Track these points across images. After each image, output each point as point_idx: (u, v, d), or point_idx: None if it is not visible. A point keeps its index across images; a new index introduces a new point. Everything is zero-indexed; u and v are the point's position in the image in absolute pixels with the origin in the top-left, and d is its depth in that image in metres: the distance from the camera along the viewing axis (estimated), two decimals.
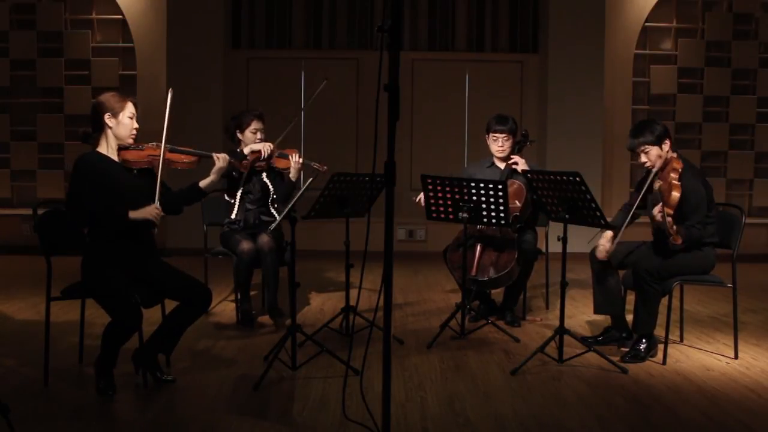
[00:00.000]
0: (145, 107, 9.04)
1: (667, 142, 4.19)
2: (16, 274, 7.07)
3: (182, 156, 3.90)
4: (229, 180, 5.01)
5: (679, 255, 4.19)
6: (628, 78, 8.72)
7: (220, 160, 3.91)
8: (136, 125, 3.70)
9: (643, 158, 4.20)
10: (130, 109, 3.67)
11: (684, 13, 8.77)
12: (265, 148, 4.96)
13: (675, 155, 4.21)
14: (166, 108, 3.78)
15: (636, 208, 4.24)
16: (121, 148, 3.69)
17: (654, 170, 4.14)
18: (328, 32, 8.73)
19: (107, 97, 3.66)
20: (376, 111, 2.58)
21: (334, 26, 8.73)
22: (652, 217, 4.00)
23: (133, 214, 3.55)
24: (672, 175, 4.05)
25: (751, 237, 8.06)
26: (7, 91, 8.66)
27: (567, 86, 8.31)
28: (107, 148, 3.67)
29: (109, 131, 3.64)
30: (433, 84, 8.76)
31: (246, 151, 4.97)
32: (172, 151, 3.84)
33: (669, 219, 3.85)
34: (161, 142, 3.74)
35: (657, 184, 4.12)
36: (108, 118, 3.62)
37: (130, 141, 3.70)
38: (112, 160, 3.65)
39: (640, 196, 4.21)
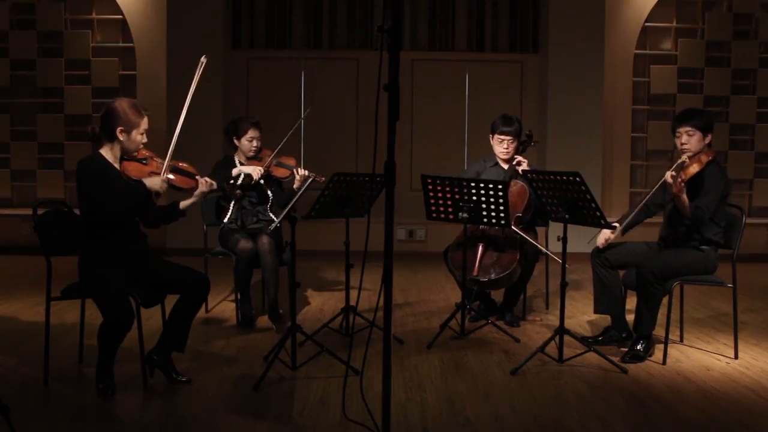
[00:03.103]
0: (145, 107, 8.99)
1: (710, 137, 4.23)
2: (16, 274, 7.07)
3: (182, 177, 3.84)
4: (223, 197, 5.11)
5: (683, 256, 4.20)
6: (628, 78, 8.72)
7: (204, 185, 3.83)
8: (144, 140, 3.72)
9: (684, 139, 4.23)
10: (143, 125, 3.69)
11: (684, 13, 8.77)
12: (256, 172, 4.96)
13: (709, 150, 4.26)
14: (194, 77, 3.81)
15: (654, 200, 4.36)
16: (124, 159, 3.71)
17: (687, 153, 4.20)
18: (328, 32, 8.73)
19: (124, 110, 3.63)
20: (376, 111, 2.58)
21: (334, 26, 8.73)
22: (666, 180, 4.09)
23: (146, 181, 3.62)
24: (702, 156, 4.14)
25: (751, 237, 8.06)
26: (7, 91, 8.67)
27: (567, 86, 8.31)
28: (110, 154, 3.68)
29: (117, 142, 3.66)
30: (433, 84, 8.75)
31: (234, 172, 4.98)
32: (173, 171, 3.81)
33: (680, 179, 3.95)
34: (165, 159, 3.76)
35: (683, 158, 4.17)
36: (120, 132, 3.63)
37: (135, 154, 3.74)
38: (113, 167, 3.67)
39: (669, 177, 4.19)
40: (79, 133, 8.68)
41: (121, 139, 3.63)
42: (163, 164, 3.74)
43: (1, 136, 8.70)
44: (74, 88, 8.64)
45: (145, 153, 3.78)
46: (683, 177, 4.01)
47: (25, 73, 8.66)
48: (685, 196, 3.99)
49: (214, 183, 3.89)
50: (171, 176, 3.76)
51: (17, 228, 8.39)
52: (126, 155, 3.71)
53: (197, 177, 3.85)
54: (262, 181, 5.08)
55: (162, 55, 8.41)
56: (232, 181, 4.74)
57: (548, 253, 4.98)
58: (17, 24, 8.70)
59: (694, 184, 4.10)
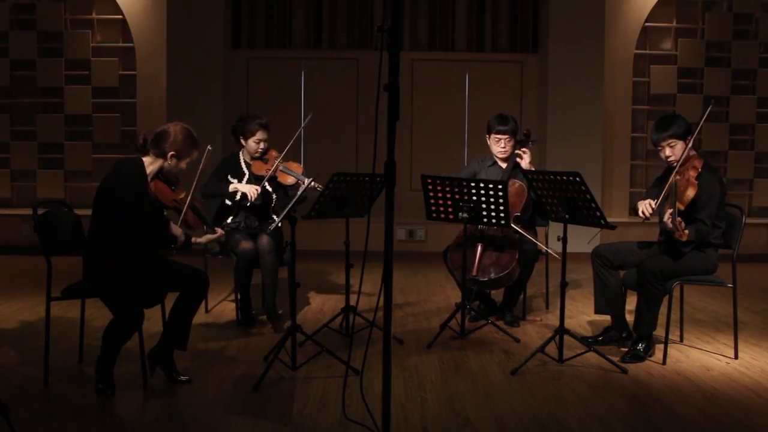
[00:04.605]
0: (145, 107, 9.06)
1: (690, 138, 4.21)
2: (16, 274, 7.07)
3: (195, 217, 4.02)
4: (220, 209, 5.13)
5: (683, 256, 4.19)
6: (628, 78, 8.72)
7: (218, 235, 4.11)
8: (185, 168, 3.84)
9: (668, 152, 4.20)
10: (192, 157, 3.82)
11: (684, 13, 8.77)
12: (252, 193, 4.93)
13: (695, 153, 4.24)
14: (200, 163, 4.04)
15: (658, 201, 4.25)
16: (156, 177, 3.78)
17: (676, 166, 4.15)
18: (328, 32, 8.73)
19: (182, 139, 3.72)
20: (376, 111, 2.58)
21: (334, 26, 8.73)
22: (662, 219, 4.00)
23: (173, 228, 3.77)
24: (691, 172, 4.08)
25: (751, 237, 8.06)
26: (7, 91, 8.67)
27: (567, 86, 8.31)
28: (150, 167, 3.74)
29: (163, 161, 3.73)
30: (433, 84, 8.75)
31: (231, 188, 4.98)
32: (192, 209, 3.97)
33: (678, 218, 3.85)
34: (190, 194, 3.94)
35: (674, 178, 4.10)
36: (171, 157, 3.72)
37: (172, 178, 3.86)
38: (147, 180, 3.72)
39: (663, 192, 4.14)
40: (79, 133, 8.69)
41: (170, 163, 3.73)
42: (186, 196, 3.90)
43: (1, 136, 8.70)
44: (74, 88, 8.64)
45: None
46: (681, 206, 3.94)
47: (25, 73, 8.66)
48: (686, 233, 3.90)
49: (222, 235, 4.21)
50: (188, 217, 3.95)
51: (17, 228, 8.39)
52: (162, 176, 3.79)
53: (215, 228, 4.20)
54: (267, 184, 5.07)
55: (162, 55, 8.41)
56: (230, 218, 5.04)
57: (548, 250, 4.97)
58: (17, 24, 8.70)
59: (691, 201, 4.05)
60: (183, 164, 3.79)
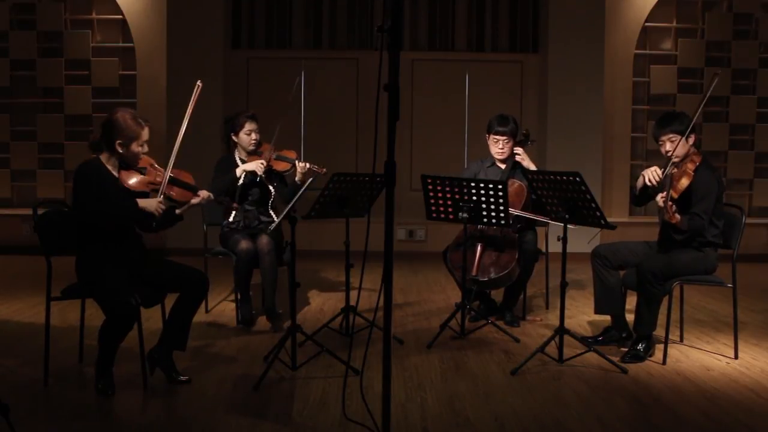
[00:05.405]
0: (145, 107, 9.04)
1: (693, 136, 4.23)
2: (16, 274, 7.07)
3: (179, 189, 3.85)
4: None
5: (682, 256, 4.20)
6: (628, 78, 8.71)
7: (200, 197, 3.89)
8: (145, 150, 3.71)
9: (668, 146, 4.22)
10: (143, 137, 3.67)
11: (684, 13, 8.77)
12: (258, 167, 4.97)
13: (696, 150, 4.26)
14: (190, 103, 3.84)
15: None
16: (122, 168, 3.72)
17: (673, 159, 4.18)
18: (328, 32, 8.73)
19: (124, 122, 3.61)
20: (376, 111, 2.58)
21: (334, 26, 8.73)
22: (656, 202, 4.06)
23: (141, 203, 3.62)
24: (689, 164, 4.11)
25: (751, 237, 8.05)
26: (7, 91, 8.67)
27: (567, 86, 8.31)
28: (109, 162, 3.69)
29: (115, 153, 3.67)
30: (433, 84, 8.75)
31: (238, 171, 4.99)
32: (172, 182, 3.81)
33: (670, 203, 3.90)
34: (165, 168, 3.77)
35: (672, 170, 4.14)
36: (118, 145, 3.64)
37: (134, 165, 3.74)
38: (111, 174, 3.68)
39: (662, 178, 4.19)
40: (79, 133, 8.69)
41: (120, 151, 3.65)
42: (162, 174, 3.76)
43: (1, 136, 8.69)
44: (74, 88, 8.64)
45: (145, 161, 3.78)
46: (674, 194, 3.98)
47: (25, 73, 8.66)
48: (678, 216, 3.96)
49: (211, 195, 3.97)
50: (172, 192, 3.79)
51: (17, 228, 8.39)
52: (126, 165, 3.73)
53: (198, 192, 3.90)
54: (264, 176, 5.08)
55: (162, 55, 8.40)
56: (228, 196, 4.86)
57: (550, 222, 4.88)
58: (17, 24, 8.70)
59: (688, 191, 4.09)
60: (134, 147, 3.63)
